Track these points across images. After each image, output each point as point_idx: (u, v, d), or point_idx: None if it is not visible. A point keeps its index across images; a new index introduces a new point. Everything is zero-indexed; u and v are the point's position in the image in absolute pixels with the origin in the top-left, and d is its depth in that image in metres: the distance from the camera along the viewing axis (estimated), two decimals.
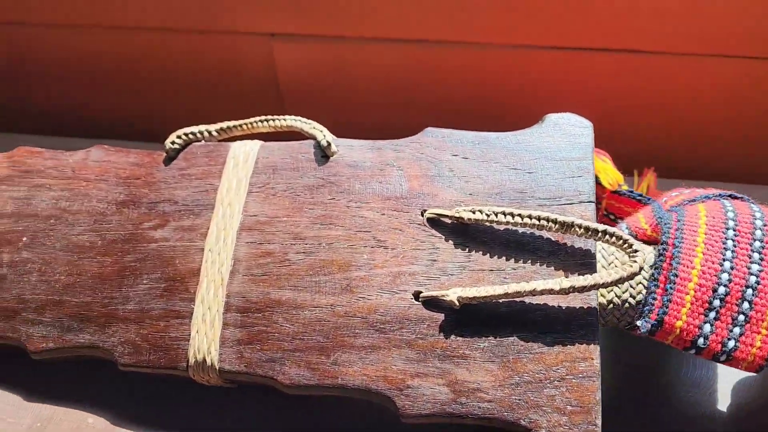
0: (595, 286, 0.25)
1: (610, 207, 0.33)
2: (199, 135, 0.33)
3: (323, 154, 0.31)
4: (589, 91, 0.41)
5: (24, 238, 0.32)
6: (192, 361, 0.28)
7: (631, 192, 0.31)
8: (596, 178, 0.30)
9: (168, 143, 0.33)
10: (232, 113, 0.49)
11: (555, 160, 0.29)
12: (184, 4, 0.44)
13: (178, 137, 0.33)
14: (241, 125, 0.34)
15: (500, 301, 0.26)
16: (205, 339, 0.28)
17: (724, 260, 0.25)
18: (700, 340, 0.24)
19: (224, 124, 0.34)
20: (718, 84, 0.40)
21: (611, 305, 0.27)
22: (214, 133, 0.34)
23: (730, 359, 0.25)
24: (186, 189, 0.32)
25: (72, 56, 0.48)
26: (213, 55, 0.46)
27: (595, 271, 0.26)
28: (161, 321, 0.29)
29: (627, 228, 0.29)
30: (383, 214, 0.29)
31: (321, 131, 0.31)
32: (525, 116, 0.45)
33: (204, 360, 0.28)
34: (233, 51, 0.46)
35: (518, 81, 0.43)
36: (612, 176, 0.32)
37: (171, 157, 0.33)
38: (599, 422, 0.24)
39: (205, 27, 0.45)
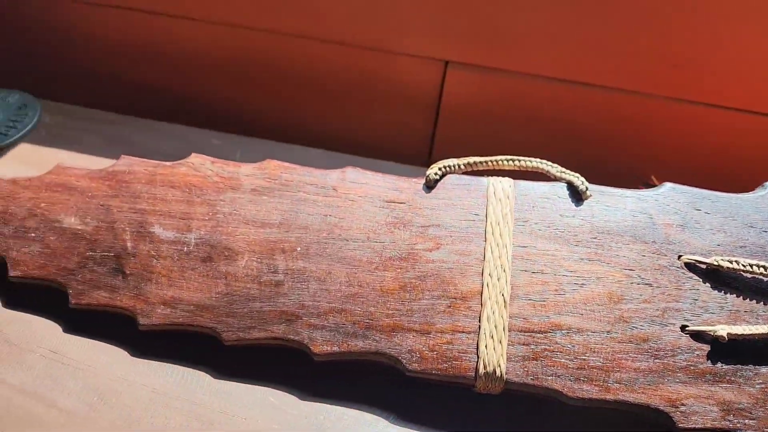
0: None
1: None
2: (454, 168, 0.37)
3: (577, 197, 0.36)
4: None
5: (298, 248, 0.35)
6: (481, 372, 0.32)
7: None
8: None
9: (431, 173, 0.37)
10: (384, 126, 0.54)
11: None
12: (369, 22, 0.48)
13: (440, 169, 0.37)
14: (488, 161, 0.38)
15: (759, 338, 0.31)
16: (494, 354, 0.32)
17: None
18: None
19: (472, 159, 0.38)
20: None
21: None
22: (463, 166, 0.38)
23: None
24: (453, 217, 0.35)
25: (264, 60, 0.52)
26: (383, 72, 0.51)
27: None
28: (447, 334, 0.33)
29: None
30: (644, 256, 0.34)
31: (577, 177, 0.36)
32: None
33: (494, 372, 0.32)
34: (404, 71, 0.50)
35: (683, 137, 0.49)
36: None
37: (430, 186, 0.37)
38: None
39: (383, 46, 0.49)
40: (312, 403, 0.33)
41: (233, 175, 0.38)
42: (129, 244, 0.35)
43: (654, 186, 0.38)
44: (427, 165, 0.57)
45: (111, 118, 0.50)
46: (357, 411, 0.33)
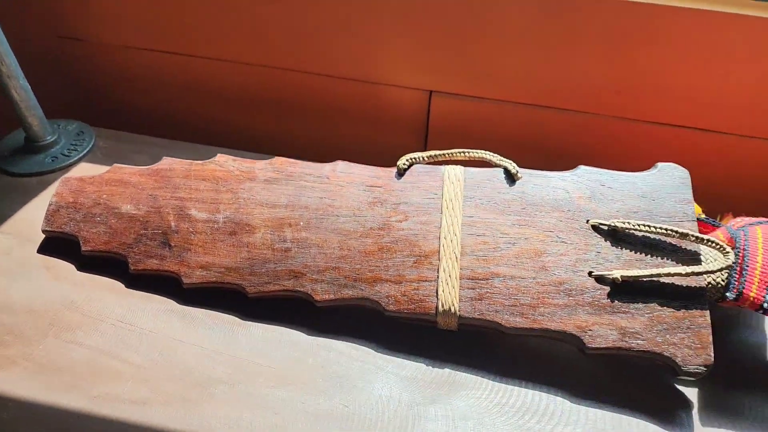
0: (708, 272, 0.41)
1: None
2: (418, 159, 0.48)
3: (512, 178, 0.46)
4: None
5: (301, 223, 0.46)
6: (441, 309, 0.42)
7: (708, 218, 0.48)
8: None
9: (400, 164, 0.47)
10: (385, 146, 0.64)
11: (669, 193, 0.45)
12: (367, 61, 0.59)
13: (407, 160, 0.48)
14: (444, 154, 0.48)
15: (645, 279, 0.42)
16: (449, 296, 0.42)
17: None
18: (765, 304, 0.41)
19: (433, 153, 0.48)
20: None
21: (710, 285, 0.43)
22: (426, 158, 0.48)
23: None
24: (417, 196, 0.46)
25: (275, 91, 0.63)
26: (378, 100, 0.62)
27: (701, 264, 0.42)
28: (414, 283, 0.43)
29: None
30: (561, 221, 0.44)
31: (510, 163, 0.47)
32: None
33: (449, 309, 0.42)
34: (398, 100, 0.61)
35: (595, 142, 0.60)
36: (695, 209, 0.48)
37: (400, 174, 0.47)
38: (712, 354, 0.40)
39: (380, 80, 0.60)
40: (318, 338, 0.44)
41: (250, 169, 0.49)
42: (173, 224, 0.46)
43: None
44: None
45: (154, 141, 0.60)
46: (344, 343, 0.43)
